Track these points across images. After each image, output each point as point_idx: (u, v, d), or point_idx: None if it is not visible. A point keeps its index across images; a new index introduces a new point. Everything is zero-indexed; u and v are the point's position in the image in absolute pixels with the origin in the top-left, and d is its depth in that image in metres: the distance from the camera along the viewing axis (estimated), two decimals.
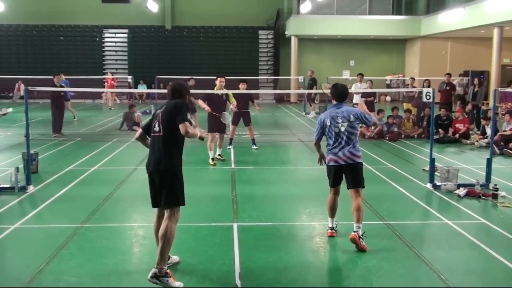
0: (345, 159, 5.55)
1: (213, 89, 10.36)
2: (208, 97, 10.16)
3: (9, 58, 29.33)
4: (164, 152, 4.56)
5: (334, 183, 5.78)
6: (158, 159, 4.58)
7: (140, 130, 5.03)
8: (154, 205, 4.67)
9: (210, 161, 10.13)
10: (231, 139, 11.80)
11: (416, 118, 14.78)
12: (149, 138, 4.79)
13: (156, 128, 4.64)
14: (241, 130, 12.71)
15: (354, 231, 5.38)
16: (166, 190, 4.52)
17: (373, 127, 13.26)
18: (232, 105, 10.67)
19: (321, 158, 5.92)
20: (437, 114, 13.31)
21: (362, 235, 5.38)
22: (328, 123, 5.63)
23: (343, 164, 5.57)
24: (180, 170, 4.63)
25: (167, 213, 4.53)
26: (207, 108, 10.00)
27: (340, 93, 5.79)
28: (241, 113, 11.40)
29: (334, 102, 5.80)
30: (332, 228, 5.85)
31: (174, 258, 4.92)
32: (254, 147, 11.83)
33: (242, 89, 11.27)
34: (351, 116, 5.58)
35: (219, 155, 10.48)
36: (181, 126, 4.46)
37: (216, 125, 10.15)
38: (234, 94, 10.80)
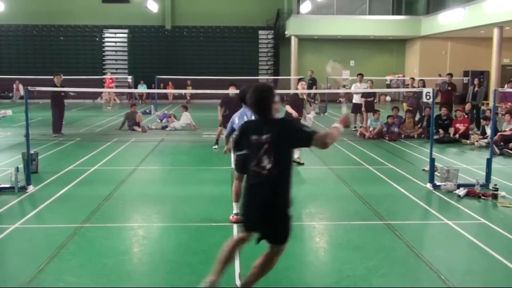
0: None
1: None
2: (293, 101, 10.47)
3: (9, 58, 29.33)
4: (278, 196, 3.97)
5: (242, 170, 5.84)
6: (267, 205, 3.93)
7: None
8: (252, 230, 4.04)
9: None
10: (217, 140, 11.81)
11: (412, 119, 14.77)
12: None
13: (265, 163, 3.82)
14: None
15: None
16: (281, 229, 4.09)
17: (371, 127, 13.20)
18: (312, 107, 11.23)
19: (229, 149, 6.27)
20: (437, 114, 13.31)
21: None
22: (236, 121, 5.98)
23: None
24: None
25: (276, 248, 4.07)
26: (294, 114, 10.07)
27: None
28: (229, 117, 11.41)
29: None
30: (237, 214, 6.01)
31: None
32: (215, 147, 11.92)
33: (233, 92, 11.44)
34: None
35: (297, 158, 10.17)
36: (318, 139, 3.75)
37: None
38: (223, 100, 11.45)
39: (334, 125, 4.00)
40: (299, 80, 10.97)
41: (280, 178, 3.90)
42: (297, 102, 10.62)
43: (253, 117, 5.37)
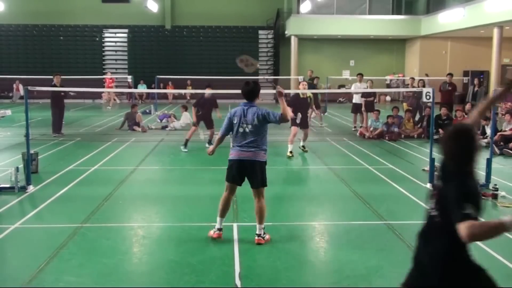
0: (248, 155, 5.42)
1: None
2: (294, 102, 10.95)
3: (9, 58, 29.33)
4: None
5: (234, 180, 5.53)
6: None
7: None
8: None
9: (289, 153, 10.77)
10: (187, 140, 11.58)
11: (412, 118, 14.77)
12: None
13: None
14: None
15: (257, 234, 5.47)
16: None
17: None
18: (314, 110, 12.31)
19: (214, 150, 5.87)
20: (437, 114, 13.31)
21: (264, 234, 5.51)
22: (235, 122, 5.51)
23: (245, 160, 5.42)
24: None
25: None
26: (290, 114, 10.25)
27: (247, 92, 5.56)
28: (204, 117, 11.70)
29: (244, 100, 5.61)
30: (220, 230, 5.59)
31: None
32: (207, 146, 11.87)
33: (209, 93, 11.75)
34: (255, 119, 5.42)
35: (303, 146, 11.48)
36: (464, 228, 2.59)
37: (295, 121, 10.99)
38: (199, 101, 11.73)
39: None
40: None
41: None
42: (297, 101, 10.94)
43: (242, 113, 5.46)
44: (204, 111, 11.68)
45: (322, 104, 21.94)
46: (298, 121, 10.96)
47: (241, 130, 5.47)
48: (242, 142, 5.45)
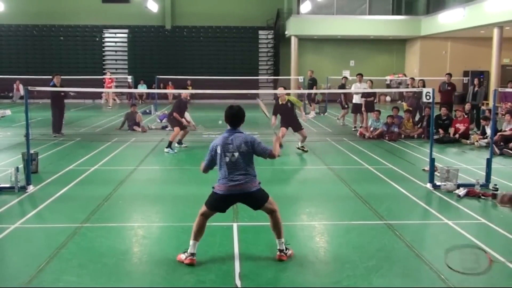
0: (241, 188, 4.89)
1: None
2: (276, 110, 11.35)
3: (9, 58, 29.35)
4: None
5: (217, 209, 5.04)
6: None
7: None
8: None
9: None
10: (170, 142, 11.56)
11: (412, 119, 14.77)
12: None
13: None
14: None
15: (279, 249, 5.04)
16: None
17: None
18: (302, 115, 12.13)
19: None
20: (437, 114, 13.32)
21: (286, 249, 5.09)
22: (219, 151, 4.93)
23: (237, 194, 4.91)
24: None
25: None
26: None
27: (231, 116, 5.03)
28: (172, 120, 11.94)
29: (228, 127, 5.08)
30: (193, 254, 4.93)
31: None
32: (182, 145, 11.99)
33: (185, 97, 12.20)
34: (243, 144, 4.91)
35: (302, 146, 11.58)
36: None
37: (285, 122, 11.35)
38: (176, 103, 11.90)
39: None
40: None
41: None
42: (278, 108, 11.42)
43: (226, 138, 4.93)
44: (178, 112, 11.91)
45: (322, 104, 22.01)
46: (273, 125, 10.82)
47: (226, 159, 4.89)
48: (231, 174, 4.88)
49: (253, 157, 5.03)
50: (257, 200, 5.01)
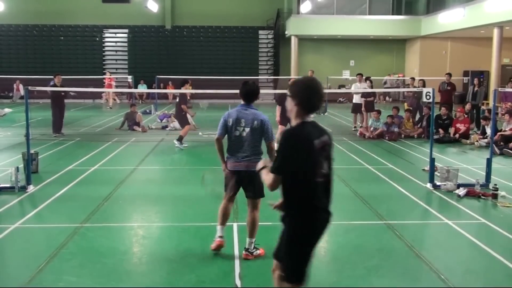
0: (246, 166, 4.97)
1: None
2: (281, 99, 11.29)
3: (9, 58, 29.35)
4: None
5: (227, 188, 5.18)
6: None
7: None
8: None
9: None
10: (181, 136, 11.91)
11: (412, 118, 14.77)
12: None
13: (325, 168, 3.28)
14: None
15: (246, 248, 5.09)
16: None
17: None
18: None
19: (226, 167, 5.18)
20: (437, 114, 13.31)
21: (253, 248, 5.11)
22: (230, 124, 4.98)
23: (242, 171, 5.01)
24: None
25: None
26: (277, 118, 11.50)
27: (246, 92, 5.04)
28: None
29: (242, 102, 5.10)
30: (221, 237, 5.16)
31: None
32: (182, 145, 11.92)
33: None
34: (255, 121, 4.94)
35: None
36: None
37: (286, 118, 11.46)
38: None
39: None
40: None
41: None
42: (284, 100, 11.15)
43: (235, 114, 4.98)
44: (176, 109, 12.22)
45: (322, 104, 21.99)
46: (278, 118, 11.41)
47: (236, 133, 4.96)
48: (238, 151, 4.99)
49: (261, 138, 5.04)
50: (254, 184, 4.95)
